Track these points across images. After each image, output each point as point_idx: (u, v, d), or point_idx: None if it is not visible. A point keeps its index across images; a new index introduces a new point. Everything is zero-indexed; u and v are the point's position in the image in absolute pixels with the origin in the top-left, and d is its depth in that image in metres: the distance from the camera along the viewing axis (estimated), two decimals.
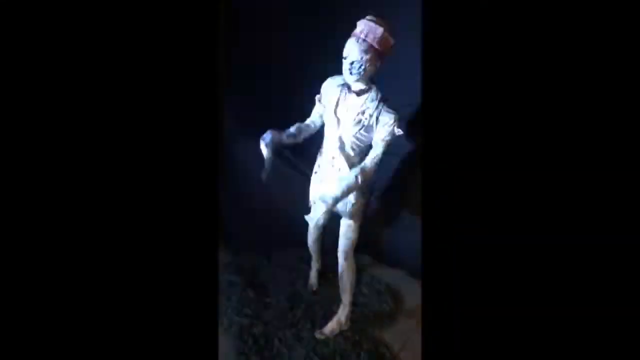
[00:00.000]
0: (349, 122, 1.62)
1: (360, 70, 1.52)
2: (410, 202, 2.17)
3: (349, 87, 1.62)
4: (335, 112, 1.65)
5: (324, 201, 1.58)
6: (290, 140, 1.68)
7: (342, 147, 1.66)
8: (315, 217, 1.79)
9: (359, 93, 1.61)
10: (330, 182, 1.69)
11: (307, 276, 2.23)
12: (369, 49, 1.50)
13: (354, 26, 1.53)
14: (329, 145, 1.70)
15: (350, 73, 1.54)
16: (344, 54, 1.53)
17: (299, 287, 2.16)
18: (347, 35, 1.54)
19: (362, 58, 1.50)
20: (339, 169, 1.69)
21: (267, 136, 1.60)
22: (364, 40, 1.50)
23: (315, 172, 1.80)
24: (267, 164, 1.62)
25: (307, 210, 1.87)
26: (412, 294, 2.11)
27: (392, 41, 1.52)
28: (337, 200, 1.59)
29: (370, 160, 1.62)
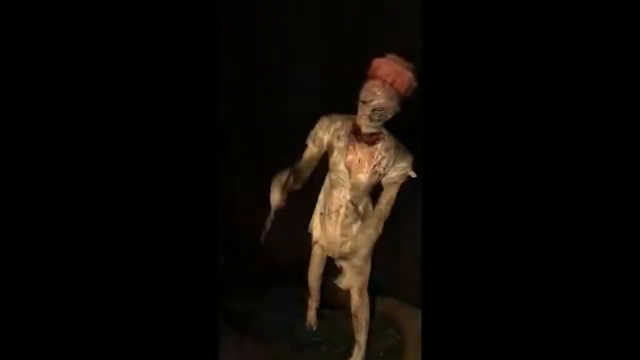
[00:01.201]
0: (363, 173, 1.54)
1: (383, 118, 1.44)
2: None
3: (357, 133, 1.50)
4: (345, 164, 1.53)
5: (355, 267, 1.60)
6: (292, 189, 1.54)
7: (354, 196, 1.59)
8: (347, 282, 1.70)
9: (370, 141, 1.49)
10: (337, 227, 1.65)
11: (296, 315, 2.14)
12: (396, 96, 1.40)
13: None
14: (337, 194, 1.62)
15: (371, 120, 1.44)
16: (364, 97, 1.41)
17: (300, 329, 2.08)
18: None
19: (387, 106, 1.40)
20: (346, 216, 1.63)
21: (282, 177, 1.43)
22: (391, 85, 1.39)
23: (321, 214, 1.72)
24: (270, 220, 1.48)
25: (301, 247, 1.82)
26: (412, 320, 2.11)
27: (415, 85, 1.41)
28: (367, 258, 1.61)
29: (385, 205, 1.58)
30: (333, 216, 1.65)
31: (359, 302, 1.78)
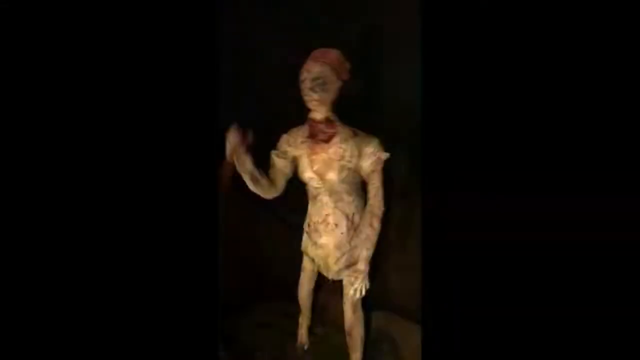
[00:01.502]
0: (332, 174, 1.50)
1: (325, 87, 1.44)
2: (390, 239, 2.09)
3: (313, 136, 1.50)
4: (312, 170, 1.52)
5: (356, 271, 1.50)
6: (258, 174, 1.47)
7: (336, 200, 1.54)
8: (357, 288, 1.56)
9: (327, 139, 1.49)
10: (328, 240, 1.58)
11: (288, 333, 2.02)
12: (326, 66, 1.44)
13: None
14: (319, 205, 1.56)
15: (314, 91, 1.44)
16: (302, 77, 1.45)
17: (290, 350, 1.95)
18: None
19: (322, 74, 1.43)
20: (336, 225, 1.56)
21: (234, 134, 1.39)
22: (320, 60, 1.45)
23: (309, 226, 1.65)
24: (227, 172, 1.42)
25: (291, 262, 1.72)
26: (406, 335, 2.00)
27: (348, 65, 1.48)
28: (369, 259, 1.51)
29: (373, 197, 1.51)
30: (321, 227, 1.57)
31: (353, 319, 1.67)
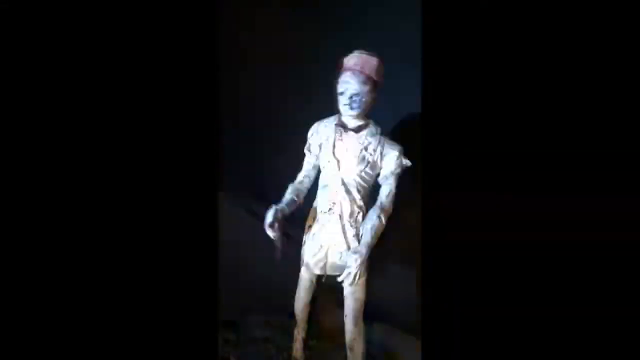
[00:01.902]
0: (351, 162, 1.50)
1: (361, 103, 1.45)
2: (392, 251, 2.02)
3: (343, 126, 1.53)
4: (333, 154, 1.52)
5: (356, 252, 1.42)
6: (293, 208, 1.52)
7: (347, 191, 1.50)
8: (351, 272, 1.47)
9: (357, 129, 1.51)
10: (331, 233, 1.52)
11: (283, 348, 1.92)
12: (367, 81, 1.45)
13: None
14: (329, 192, 1.54)
15: (351, 108, 1.46)
16: (340, 89, 1.46)
17: None
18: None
19: (361, 90, 1.44)
20: (340, 216, 1.52)
21: (270, 216, 1.44)
22: (360, 72, 1.44)
23: (309, 226, 1.59)
24: (278, 244, 1.44)
25: (289, 272, 1.64)
26: (408, 351, 1.91)
27: (382, 69, 1.49)
28: (370, 247, 1.44)
29: (385, 196, 1.50)
30: (326, 216, 1.53)
31: (354, 332, 1.58)
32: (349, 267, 1.44)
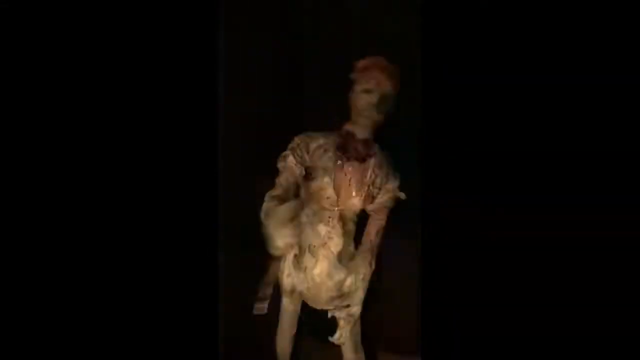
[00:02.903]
0: (353, 197, 1.33)
1: (386, 109, 1.30)
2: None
3: (345, 149, 1.33)
4: (334, 190, 1.33)
5: (349, 315, 1.37)
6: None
7: (343, 226, 1.36)
8: (344, 336, 1.41)
9: (361, 158, 1.33)
10: (322, 267, 1.37)
11: None
12: (396, 89, 1.32)
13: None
14: (324, 227, 1.36)
15: (379, 111, 1.30)
16: (368, 86, 1.29)
17: None
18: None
19: (392, 94, 1.30)
20: (332, 252, 1.36)
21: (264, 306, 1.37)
22: (394, 79, 1.31)
23: (296, 255, 1.42)
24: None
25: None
26: None
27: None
28: (362, 302, 1.39)
29: (375, 235, 1.38)
30: (320, 252, 1.37)
31: None
32: (340, 328, 1.38)
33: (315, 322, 1.49)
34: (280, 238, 1.24)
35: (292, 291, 1.44)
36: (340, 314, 1.40)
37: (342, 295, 1.41)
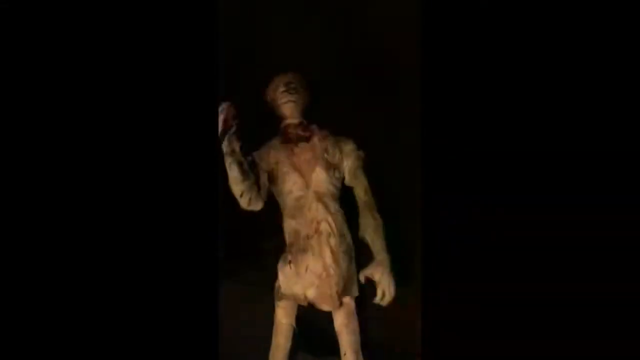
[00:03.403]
0: (318, 172, 1.41)
1: (298, 90, 1.47)
2: None
3: (290, 140, 1.47)
4: (297, 171, 1.42)
5: (379, 264, 1.36)
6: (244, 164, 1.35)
7: (325, 205, 1.38)
8: (385, 287, 1.38)
9: (306, 139, 1.46)
10: (323, 253, 1.35)
11: None
12: (298, 76, 1.49)
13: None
14: (306, 213, 1.39)
15: (290, 93, 1.46)
16: (274, 85, 1.49)
17: None
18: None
19: (295, 79, 1.48)
20: (329, 234, 1.36)
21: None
22: (290, 73, 1.49)
23: (292, 251, 1.40)
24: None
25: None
26: None
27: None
28: (386, 250, 1.39)
29: (364, 194, 1.44)
30: (313, 241, 1.36)
31: None
32: (379, 283, 1.35)
33: (311, 336, 1.47)
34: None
35: (294, 298, 1.41)
36: (365, 271, 1.38)
37: (347, 288, 1.38)
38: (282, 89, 1.47)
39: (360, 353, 1.41)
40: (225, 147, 1.25)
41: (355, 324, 1.40)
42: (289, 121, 1.49)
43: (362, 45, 1.54)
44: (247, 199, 1.35)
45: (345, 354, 1.39)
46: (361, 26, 1.68)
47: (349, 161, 1.46)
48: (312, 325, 1.45)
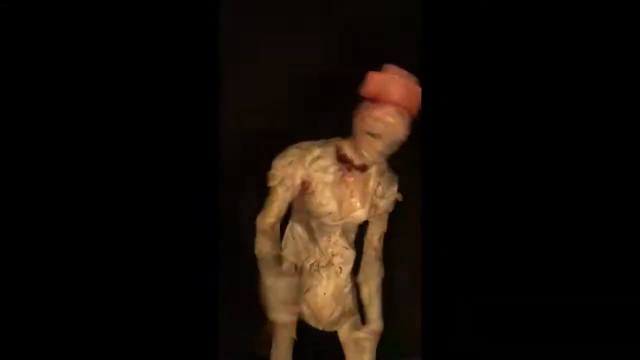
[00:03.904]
0: (356, 208, 1.24)
1: (394, 150, 1.18)
2: None
3: (345, 160, 1.21)
4: (335, 198, 1.23)
5: (372, 333, 1.31)
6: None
7: (346, 240, 1.29)
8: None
9: (363, 167, 1.22)
10: (328, 285, 1.31)
11: None
12: (409, 120, 1.16)
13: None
14: (323, 242, 1.29)
15: (384, 153, 1.18)
16: (375, 129, 1.13)
17: None
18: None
19: (405, 135, 1.16)
20: (340, 269, 1.31)
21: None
22: (408, 110, 1.14)
23: (302, 268, 1.34)
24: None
25: None
26: None
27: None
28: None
29: (378, 242, 1.33)
30: (323, 271, 1.30)
31: None
32: (368, 351, 1.31)
33: (313, 345, 1.44)
34: (283, 314, 1.14)
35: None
36: (359, 335, 1.33)
37: (344, 312, 1.36)
38: (380, 146, 1.16)
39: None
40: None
41: (370, 344, 1.35)
42: (350, 155, 1.22)
43: (362, 45, 1.53)
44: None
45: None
46: (361, 26, 1.67)
47: (385, 202, 1.29)
48: (314, 334, 1.41)
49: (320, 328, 1.37)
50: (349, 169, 1.22)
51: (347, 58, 1.48)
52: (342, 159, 1.22)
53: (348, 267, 1.33)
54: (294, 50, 1.82)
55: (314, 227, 1.30)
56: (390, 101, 1.13)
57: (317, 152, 1.23)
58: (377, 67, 1.22)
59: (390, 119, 1.14)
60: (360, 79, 1.32)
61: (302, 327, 1.42)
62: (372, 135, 1.14)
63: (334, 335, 1.42)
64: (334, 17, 1.68)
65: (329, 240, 1.30)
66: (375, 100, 1.15)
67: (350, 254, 1.32)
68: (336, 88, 1.50)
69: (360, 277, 1.34)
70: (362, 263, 1.34)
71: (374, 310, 1.32)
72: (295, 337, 1.39)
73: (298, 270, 1.32)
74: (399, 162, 1.60)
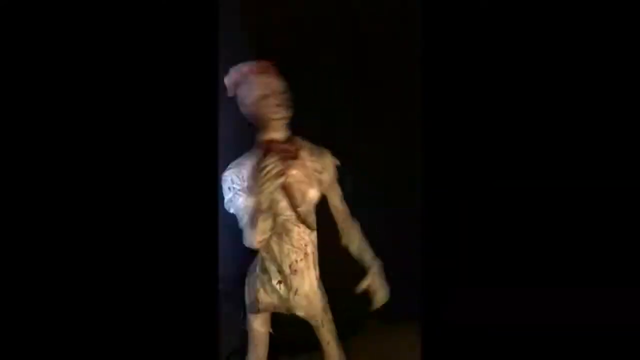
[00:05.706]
0: (313, 192, 1.31)
1: (290, 102, 1.26)
2: None
3: (274, 148, 1.24)
4: (286, 192, 1.28)
5: (374, 272, 1.34)
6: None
7: (309, 225, 1.33)
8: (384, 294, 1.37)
9: (293, 155, 1.28)
10: (311, 278, 1.35)
11: None
12: (285, 82, 1.28)
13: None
14: (295, 237, 1.32)
15: (285, 108, 1.25)
16: (262, 92, 1.23)
17: None
18: None
19: (286, 88, 1.27)
20: (314, 254, 1.35)
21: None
22: (276, 74, 1.27)
23: (281, 272, 1.34)
24: None
25: None
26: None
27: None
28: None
29: (341, 204, 1.37)
30: (302, 265, 1.33)
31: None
32: (377, 292, 1.33)
33: (289, 339, 1.48)
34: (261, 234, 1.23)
35: (274, 308, 1.39)
36: (366, 282, 1.35)
37: (325, 301, 1.40)
38: (275, 101, 1.25)
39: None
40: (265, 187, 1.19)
41: (330, 314, 1.41)
42: (272, 136, 1.29)
43: (362, 45, 1.53)
44: (260, 235, 1.25)
45: (328, 343, 1.39)
46: (361, 26, 1.68)
47: (328, 174, 1.34)
48: (289, 328, 1.45)
49: (313, 321, 1.40)
50: (284, 161, 1.22)
51: (347, 58, 1.47)
52: (270, 148, 1.25)
53: (314, 249, 1.37)
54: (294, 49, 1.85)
55: (280, 229, 1.31)
56: (253, 73, 1.26)
57: (248, 163, 1.28)
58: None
59: (264, 78, 1.25)
60: (360, 78, 1.34)
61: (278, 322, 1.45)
62: (266, 95, 1.24)
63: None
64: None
65: (298, 233, 1.33)
66: (244, 81, 1.27)
67: (315, 237, 1.36)
68: (335, 87, 1.50)
69: (344, 240, 1.39)
70: (339, 228, 1.39)
71: (367, 256, 1.38)
72: (271, 330, 1.44)
73: (274, 272, 1.35)
74: (399, 162, 1.63)
